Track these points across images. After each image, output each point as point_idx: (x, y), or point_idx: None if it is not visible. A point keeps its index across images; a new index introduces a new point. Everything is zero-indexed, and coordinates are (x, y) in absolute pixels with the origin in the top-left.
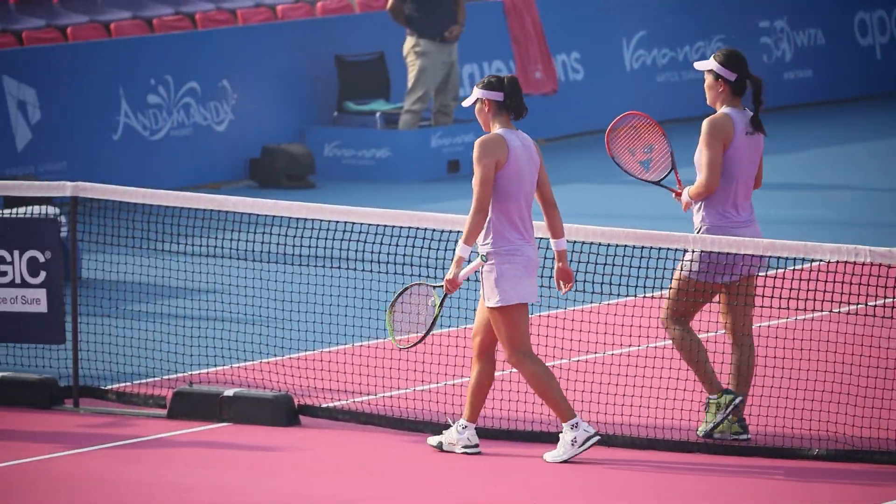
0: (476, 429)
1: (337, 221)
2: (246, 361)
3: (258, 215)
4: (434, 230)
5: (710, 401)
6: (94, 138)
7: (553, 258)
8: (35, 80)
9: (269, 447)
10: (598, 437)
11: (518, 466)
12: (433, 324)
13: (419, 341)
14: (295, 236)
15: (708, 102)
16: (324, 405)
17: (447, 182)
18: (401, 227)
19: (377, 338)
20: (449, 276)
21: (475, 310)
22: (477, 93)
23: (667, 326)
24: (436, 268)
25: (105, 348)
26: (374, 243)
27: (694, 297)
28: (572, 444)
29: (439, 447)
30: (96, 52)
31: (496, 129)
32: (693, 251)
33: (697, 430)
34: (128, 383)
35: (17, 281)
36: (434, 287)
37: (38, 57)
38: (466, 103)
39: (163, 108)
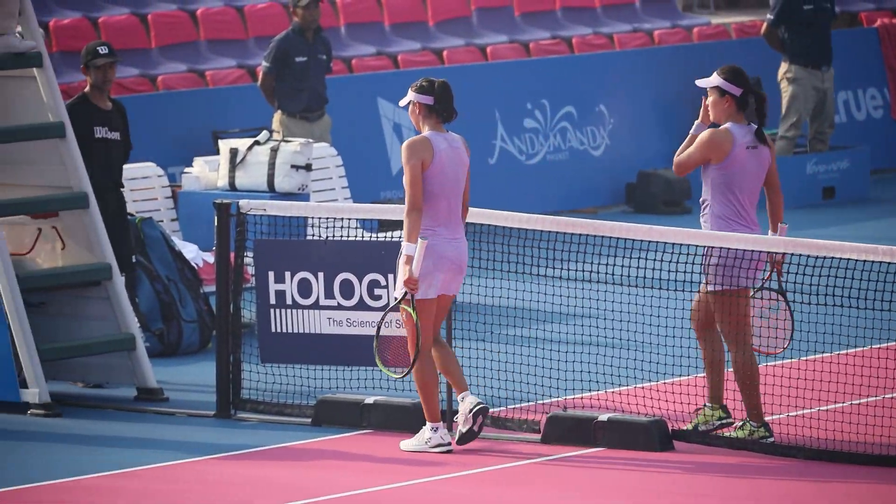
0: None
1: (711, 247)
2: (620, 386)
3: (634, 240)
4: (808, 256)
5: (707, 407)
6: (470, 162)
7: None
8: None
9: (643, 472)
10: (449, 449)
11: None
12: (418, 330)
13: (415, 359)
14: (670, 261)
15: (713, 119)
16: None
17: (822, 208)
18: (777, 253)
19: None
20: (405, 276)
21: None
22: (410, 95)
23: (699, 335)
24: (814, 294)
25: (479, 372)
26: (748, 269)
27: (733, 304)
28: (426, 442)
29: (414, 449)
30: (473, 75)
31: (425, 130)
32: (711, 258)
33: (686, 426)
34: (502, 408)
35: (392, 304)
36: (400, 304)
37: (414, 80)
38: (402, 103)
39: (539, 132)
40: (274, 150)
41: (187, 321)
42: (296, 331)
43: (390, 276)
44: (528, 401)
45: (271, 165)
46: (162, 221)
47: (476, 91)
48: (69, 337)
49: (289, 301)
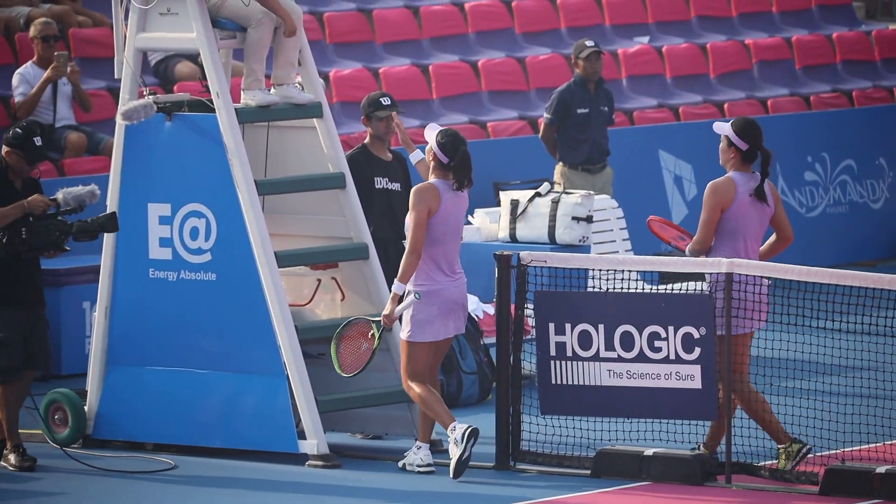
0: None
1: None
2: None
3: None
4: None
5: (780, 450)
6: None
7: None
8: (691, 155)
9: None
10: (431, 469)
11: None
12: (373, 355)
13: (360, 371)
14: None
15: (720, 163)
16: None
17: None
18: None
19: None
20: (386, 311)
21: None
22: (431, 141)
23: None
24: None
25: (755, 424)
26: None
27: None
28: (417, 453)
29: (403, 468)
30: None
31: (432, 178)
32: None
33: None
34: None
35: (672, 357)
36: (372, 321)
37: (695, 133)
38: (426, 134)
39: (819, 185)
40: (555, 202)
41: (467, 373)
42: (576, 383)
43: (670, 328)
44: (808, 453)
45: (552, 217)
46: None
47: None
48: (348, 388)
49: (569, 353)
